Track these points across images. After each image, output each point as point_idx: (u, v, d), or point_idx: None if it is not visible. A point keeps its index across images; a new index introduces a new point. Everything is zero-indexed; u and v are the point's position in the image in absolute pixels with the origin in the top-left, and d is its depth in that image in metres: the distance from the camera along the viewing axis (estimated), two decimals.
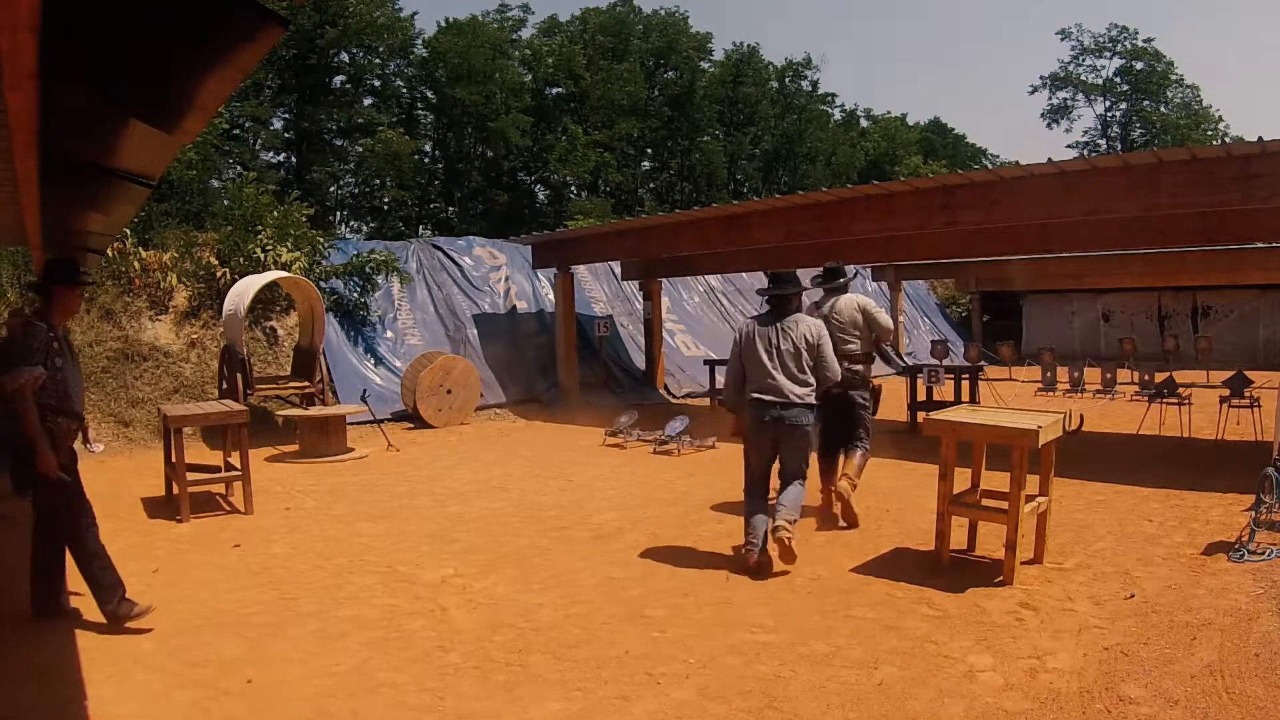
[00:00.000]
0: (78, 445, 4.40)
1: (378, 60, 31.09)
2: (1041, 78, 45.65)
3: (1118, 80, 42.04)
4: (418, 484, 7.57)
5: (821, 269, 6.36)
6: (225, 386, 9.71)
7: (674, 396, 14.02)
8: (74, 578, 4.14)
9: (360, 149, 29.23)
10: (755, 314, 5.47)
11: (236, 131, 25.66)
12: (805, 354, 4.87)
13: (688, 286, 16.68)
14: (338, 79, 30.16)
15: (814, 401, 4.87)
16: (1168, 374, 11.22)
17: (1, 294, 10.31)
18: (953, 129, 48.42)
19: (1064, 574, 4.61)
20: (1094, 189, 7.04)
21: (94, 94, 2.35)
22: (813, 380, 4.88)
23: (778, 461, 4.96)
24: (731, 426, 5.33)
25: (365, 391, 10.42)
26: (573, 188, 34.41)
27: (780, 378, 4.84)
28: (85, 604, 4.20)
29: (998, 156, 46.87)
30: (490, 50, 31.64)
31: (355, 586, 4.67)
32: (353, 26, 28.15)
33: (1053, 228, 9.70)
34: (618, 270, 15.20)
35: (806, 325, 4.97)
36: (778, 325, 5.00)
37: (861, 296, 6.26)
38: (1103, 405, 12.38)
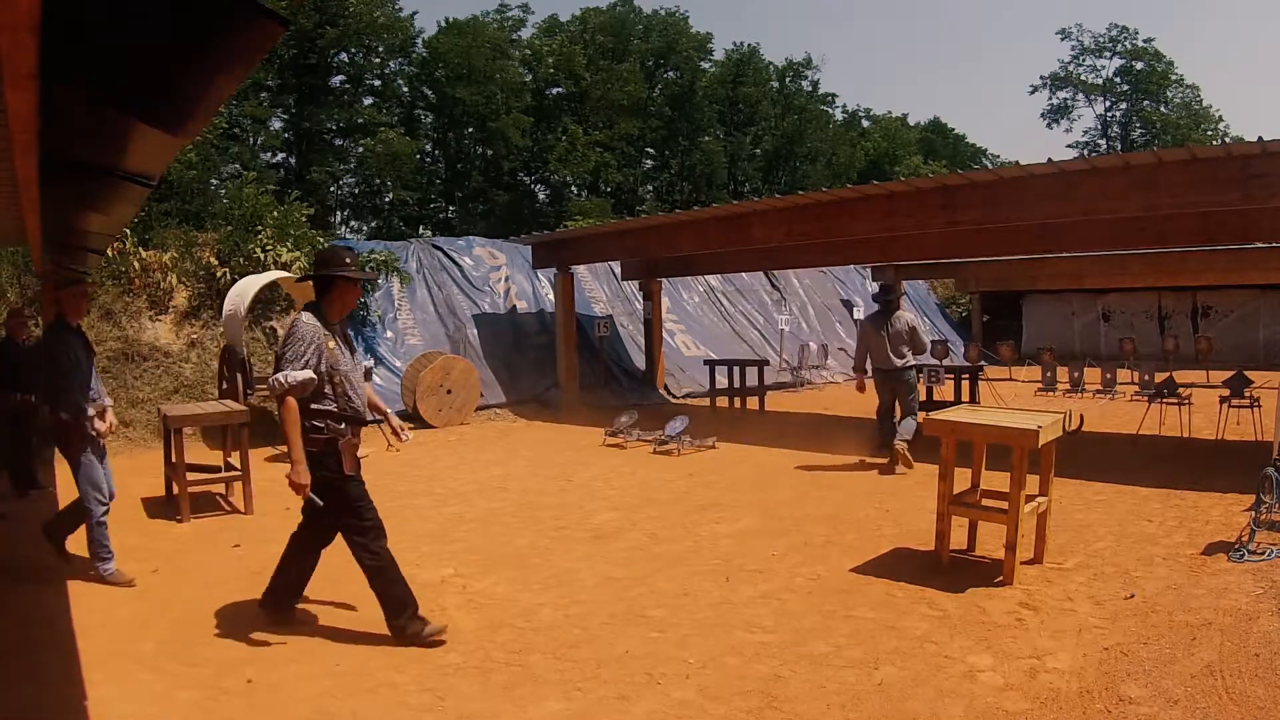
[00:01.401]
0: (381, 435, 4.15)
1: (377, 60, 31.08)
2: (1041, 78, 45.72)
3: (1118, 80, 42.04)
4: (417, 484, 7.57)
5: (880, 288, 8.99)
6: (225, 386, 9.70)
7: (674, 396, 14.02)
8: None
9: (360, 149, 29.22)
10: (870, 313, 8.31)
11: (236, 131, 25.64)
12: (905, 336, 7.69)
13: (688, 286, 16.68)
14: (338, 79, 30.15)
15: (912, 364, 7.82)
16: (1168, 374, 11.22)
17: (1, 294, 10.31)
18: (953, 129, 48.42)
19: (1064, 574, 4.61)
20: (1094, 189, 7.04)
21: (94, 94, 2.35)
22: (911, 353, 7.76)
23: (897, 404, 7.87)
24: (858, 382, 8.20)
25: None
26: (573, 188, 34.39)
27: (890, 354, 7.69)
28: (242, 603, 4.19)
29: (998, 156, 46.91)
30: (490, 50, 31.62)
31: (355, 586, 4.66)
32: (353, 26, 28.13)
33: (1053, 228, 9.69)
34: (618, 270, 15.20)
35: (904, 319, 7.76)
36: (887, 320, 7.74)
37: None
38: (1103, 405, 12.37)
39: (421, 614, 3.85)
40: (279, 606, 4.06)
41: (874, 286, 20.15)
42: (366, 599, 4.43)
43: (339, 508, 3.78)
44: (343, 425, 3.75)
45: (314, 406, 3.68)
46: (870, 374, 7.98)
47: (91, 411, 4.74)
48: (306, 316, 3.73)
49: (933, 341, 16.59)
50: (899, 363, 7.73)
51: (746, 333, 16.75)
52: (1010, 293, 20.76)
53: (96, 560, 4.77)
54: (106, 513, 4.80)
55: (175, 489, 6.41)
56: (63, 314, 5.00)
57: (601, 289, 15.33)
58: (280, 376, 3.57)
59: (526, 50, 34.92)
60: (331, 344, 3.70)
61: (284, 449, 9.19)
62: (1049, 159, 7.02)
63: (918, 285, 21.34)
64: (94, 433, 4.73)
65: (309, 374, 3.62)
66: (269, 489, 7.21)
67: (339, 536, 3.93)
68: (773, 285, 18.31)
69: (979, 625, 3.90)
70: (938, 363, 13.20)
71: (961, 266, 17.74)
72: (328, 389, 3.69)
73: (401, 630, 3.79)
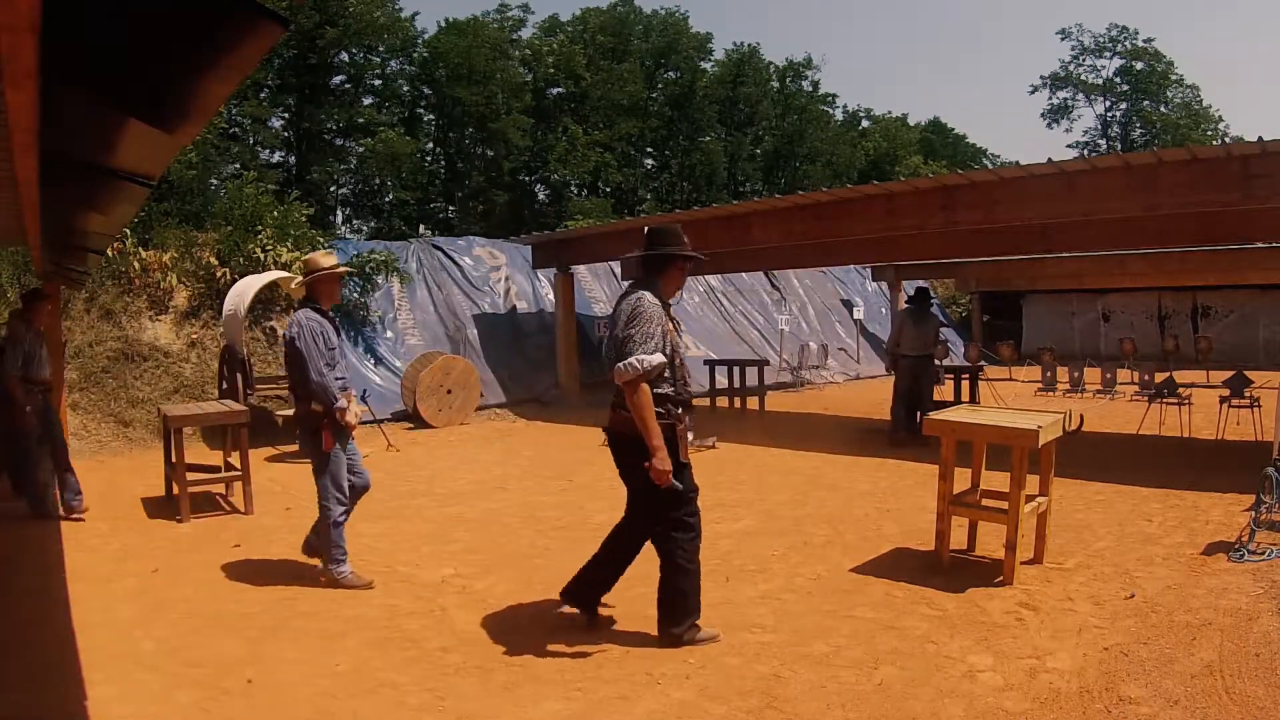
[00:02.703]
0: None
1: (377, 60, 31.08)
2: (1041, 78, 45.80)
3: (1118, 80, 42.08)
4: (418, 484, 7.56)
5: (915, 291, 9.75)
6: (225, 386, 9.71)
7: None
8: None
9: (360, 149, 29.23)
10: (905, 308, 9.52)
11: (236, 131, 25.64)
12: (931, 333, 9.19)
13: (688, 286, 16.66)
14: (338, 79, 30.16)
15: (931, 354, 9.29)
16: (1168, 374, 11.22)
17: (1, 294, 10.30)
18: (953, 129, 48.47)
19: (1064, 574, 4.61)
20: (1094, 189, 7.04)
21: (94, 94, 2.35)
22: (934, 345, 9.32)
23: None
24: (889, 363, 9.73)
25: (365, 391, 10.41)
26: (573, 188, 34.41)
27: (916, 344, 9.10)
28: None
29: (998, 156, 46.94)
30: (491, 50, 31.63)
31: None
32: (353, 26, 28.14)
33: (1053, 228, 9.70)
34: (618, 270, 15.20)
35: (935, 318, 9.34)
36: (922, 316, 9.18)
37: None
38: (1103, 405, 12.37)
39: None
40: (586, 600, 3.89)
41: (874, 286, 20.21)
42: (367, 596, 4.44)
43: (669, 497, 3.58)
44: (680, 409, 3.61)
45: (655, 391, 3.50)
46: (895, 361, 9.40)
47: (343, 402, 4.54)
48: (649, 296, 3.58)
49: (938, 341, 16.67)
50: (924, 353, 9.23)
51: (746, 333, 16.74)
52: (1010, 293, 20.75)
53: (330, 562, 4.60)
54: (346, 513, 4.62)
55: (175, 489, 6.41)
56: (315, 297, 4.73)
57: (601, 289, 15.32)
58: (634, 360, 3.41)
59: (526, 50, 34.93)
60: (670, 325, 3.57)
61: (284, 449, 9.23)
62: (1049, 159, 7.02)
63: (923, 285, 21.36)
64: (343, 424, 4.55)
65: (662, 357, 3.48)
66: (269, 489, 7.22)
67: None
68: (773, 285, 18.30)
69: (979, 625, 3.90)
70: (938, 363, 13.20)
71: (961, 266, 17.73)
72: (667, 372, 3.54)
73: (676, 638, 3.65)
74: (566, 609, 3.96)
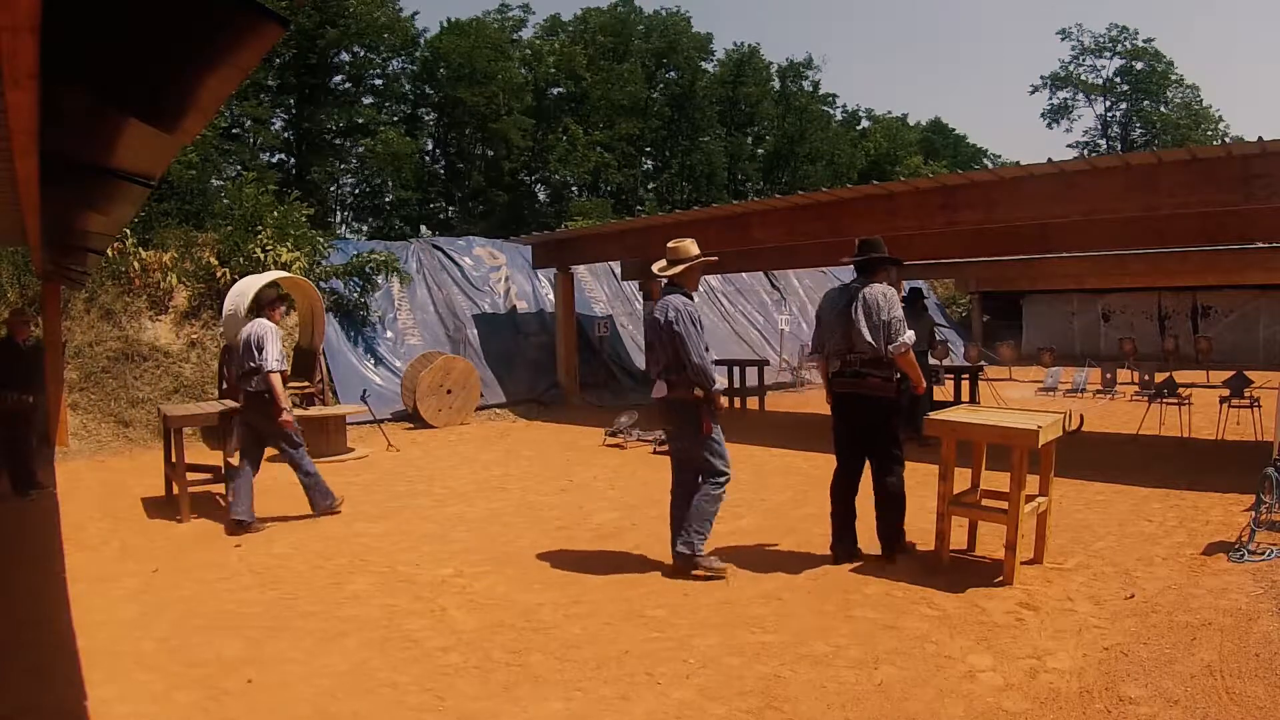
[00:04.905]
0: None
1: (378, 60, 31.07)
2: (1042, 78, 45.75)
3: (1118, 80, 42.07)
4: (418, 484, 7.57)
5: (910, 291, 10.02)
6: (225, 386, 9.70)
7: None
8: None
9: (360, 149, 29.23)
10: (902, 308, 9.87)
11: (236, 131, 25.64)
12: (924, 331, 9.16)
13: None
14: (337, 79, 30.16)
15: (925, 351, 9.32)
16: (1168, 374, 11.21)
17: (1, 294, 10.31)
18: (953, 129, 48.42)
19: (1064, 574, 4.61)
20: (1094, 189, 7.04)
21: (94, 94, 2.35)
22: (927, 346, 9.50)
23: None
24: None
25: (365, 391, 10.42)
26: (573, 188, 34.40)
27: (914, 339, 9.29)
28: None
29: (998, 156, 46.87)
30: (492, 51, 31.62)
31: (355, 586, 4.67)
32: (353, 27, 28.13)
33: (1053, 228, 9.70)
34: (618, 270, 15.20)
35: (929, 319, 9.53)
36: (915, 316, 8.71)
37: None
38: (1103, 405, 12.37)
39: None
40: (851, 551, 4.97)
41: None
42: (366, 597, 4.44)
43: (894, 432, 4.82)
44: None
45: (885, 360, 4.66)
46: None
47: (721, 384, 4.82)
48: (889, 288, 4.71)
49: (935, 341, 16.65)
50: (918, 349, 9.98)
51: (746, 333, 16.75)
52: (1010, 293, 20.74)
53: (694, 536, 4.66)
54: (727, 482, 4.88)
55: (175, 489, 6.41)
56: (682, 283, 4.81)
57: (601, 289, 15.32)
58: (906, 338, 4.62)
59: (527, 50, 34.92)
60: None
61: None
62: (1049, 159, 7.02)
63: (918, 285, 21.35)
64: (718, 405, 4.77)
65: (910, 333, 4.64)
66: (270, 488, 7.21)
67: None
68: (773, 285, 18.31)
69: (979, 625, 3.90)
70: (938, 363, 13.20)
71: (961, 266, 17.73)
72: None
73: (892, 556, 4.83)
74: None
